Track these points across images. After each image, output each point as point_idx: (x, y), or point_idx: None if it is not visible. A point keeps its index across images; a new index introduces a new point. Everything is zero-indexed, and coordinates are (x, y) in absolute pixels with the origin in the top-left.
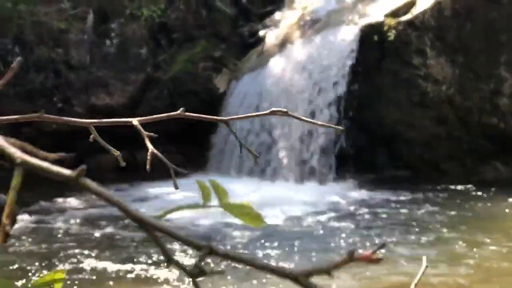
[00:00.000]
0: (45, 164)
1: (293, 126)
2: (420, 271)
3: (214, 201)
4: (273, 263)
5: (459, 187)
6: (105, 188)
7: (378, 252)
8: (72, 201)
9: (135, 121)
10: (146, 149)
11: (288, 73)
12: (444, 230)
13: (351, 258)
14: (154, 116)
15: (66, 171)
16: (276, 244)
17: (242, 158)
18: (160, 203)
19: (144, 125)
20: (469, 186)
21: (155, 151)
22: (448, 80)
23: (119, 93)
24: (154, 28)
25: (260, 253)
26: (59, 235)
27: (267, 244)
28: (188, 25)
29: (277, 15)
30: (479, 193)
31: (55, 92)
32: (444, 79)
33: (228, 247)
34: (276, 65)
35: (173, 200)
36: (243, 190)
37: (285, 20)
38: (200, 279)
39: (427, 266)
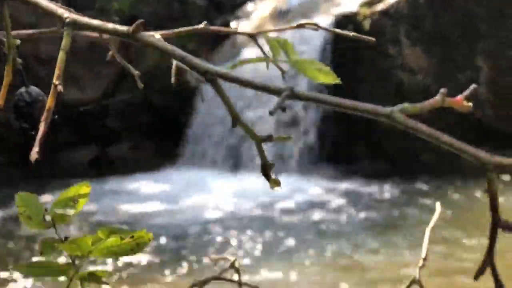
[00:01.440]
0: (96, 22)
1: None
2: (434, 217)
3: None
4: (257, 253)
5: (438, 178)
6: (166, 43)
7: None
8: (50, 199)
9: (157, 34)
10: (118, 144)
11: (261, 65)
12: (425, 224)
13: (443, 100)
14: (179, 29)
15: (122, 27)
16: (254, 237)
17: (216, 152)
18: (135, 198)
19: (119, 117)
20: (448, 176)
21: (181, 64)
22: (424, 70)
23: (91, 88)
24: (125, 21)
25: (243, 246)
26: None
27: (249, 237)
28: (159, 18)
29: (249, 6)
30: (459, 183)
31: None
32: (420, 68)
33: (206, 238)
34: (249, 55)
35: (148, 193)
36: (218, 183)
37: (257, 11)
38: None
39: (440, 211)
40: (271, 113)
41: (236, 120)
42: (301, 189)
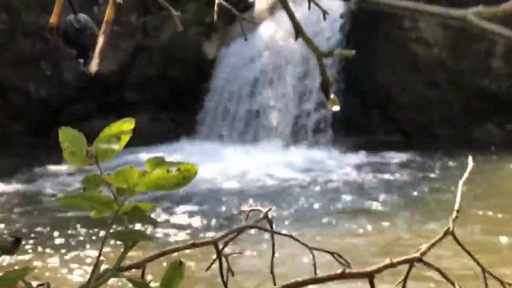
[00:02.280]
0: None
1: (287, 87)
2: (467, 170)
3: None
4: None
5: (452, 151)
6: None
7: None
8: (65, 168)
9: None
10: (135, 116)
11: (278, 38)
12: (441, 196)
13: None
14: None
15: None
16: (272, 206)
17: (232, 124)
18: None
19: (137, 89)
20: (462, 149)
21: (223, 1)
22: (440, 43)
23: (109, 60)
24: None
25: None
26: (51, 205)
27: (267, 206)
28: None
29: None
30: (473, 156)
31: (44, 58)
32: (436, 41)
33: (225, 206)
34: (266, 29)
35: None
36: (234, 155)
37: None
38: None
39: (473, 165)
40: (342, 16)
41: (298, 32)
42: (317, 161)
